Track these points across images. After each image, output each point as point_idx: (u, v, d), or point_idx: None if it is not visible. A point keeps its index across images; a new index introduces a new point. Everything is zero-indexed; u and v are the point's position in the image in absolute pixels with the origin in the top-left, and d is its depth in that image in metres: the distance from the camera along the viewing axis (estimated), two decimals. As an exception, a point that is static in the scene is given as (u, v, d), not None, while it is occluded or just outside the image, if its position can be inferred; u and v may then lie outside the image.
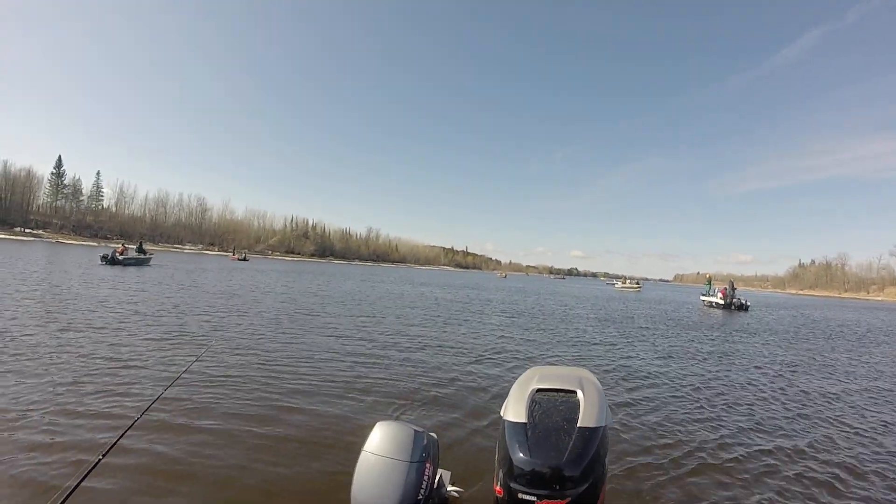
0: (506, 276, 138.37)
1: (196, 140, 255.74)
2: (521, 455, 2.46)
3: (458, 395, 7.72)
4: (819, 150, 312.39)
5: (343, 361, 9.61)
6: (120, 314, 13.49)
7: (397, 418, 4.56)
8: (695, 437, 6.46)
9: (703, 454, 5.83)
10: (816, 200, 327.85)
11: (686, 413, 7.66)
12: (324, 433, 5.69)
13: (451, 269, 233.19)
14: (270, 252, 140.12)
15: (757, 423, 7.42)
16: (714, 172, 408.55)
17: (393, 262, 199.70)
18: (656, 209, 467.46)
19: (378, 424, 2.89)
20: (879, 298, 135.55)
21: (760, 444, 6.41)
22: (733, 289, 41.97)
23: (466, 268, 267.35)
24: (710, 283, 49.74)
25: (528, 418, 2.65)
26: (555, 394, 2.88)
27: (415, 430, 2.84)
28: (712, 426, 7.06)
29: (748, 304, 40.84)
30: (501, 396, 2.82)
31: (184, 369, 4.36)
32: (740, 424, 7.26)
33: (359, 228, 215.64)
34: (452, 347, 12.18)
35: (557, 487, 2.40)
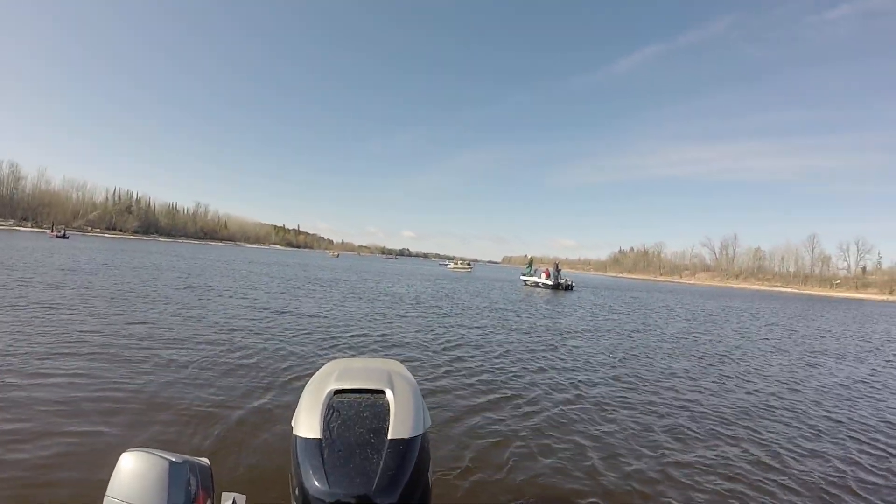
0: (338, 256, 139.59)
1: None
2: (317, 484, 1.93)
3: (251, 397, 6.62)
4: (646, 151, 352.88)
5: (101, 363, 7.66)
6: None
7: (152, 444, 3.53)
8: (524, 425, 6.42)
9: (533, 442, 5.82)
10: (640, 195, 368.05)
11: (513, 397, 7.63)
12: (57, 468, 4.41)
13: (282, 247, 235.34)
14: (90, 228, 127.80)
15: (579, 396, 7.96)
16: (549, 164, 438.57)
17: (222, 239, 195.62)
18: (492, 195, 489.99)
19: (123, 457, 1.97)
20: (691, 282, 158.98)
21: (585, 418, 6.80)
22: (558, 270, 45.18)
23: (298, 247, 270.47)
24: (530, 265, 52.87)
25: (324, 432, 2.09)
26: (358, 396, 2.29)
27: (170, 462, 2.01)
28: (540, 411, 7.09)
29: (572, 284, 45.43)
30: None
31: None
32: (566, 403, 7.53)
33: (186, 203, 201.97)
34: (253, 338, 10.57)
35: None
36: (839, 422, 7.55)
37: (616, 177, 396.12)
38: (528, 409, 7.11)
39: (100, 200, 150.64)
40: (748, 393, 9.09)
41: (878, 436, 6.99)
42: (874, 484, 5.30)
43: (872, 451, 6.34)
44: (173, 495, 1.91)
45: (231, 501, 2.55)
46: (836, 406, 8.55)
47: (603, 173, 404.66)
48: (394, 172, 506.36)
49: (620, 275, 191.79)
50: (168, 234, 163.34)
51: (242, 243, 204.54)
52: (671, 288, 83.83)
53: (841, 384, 10.48)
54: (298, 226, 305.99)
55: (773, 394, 9.11)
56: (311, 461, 1.93)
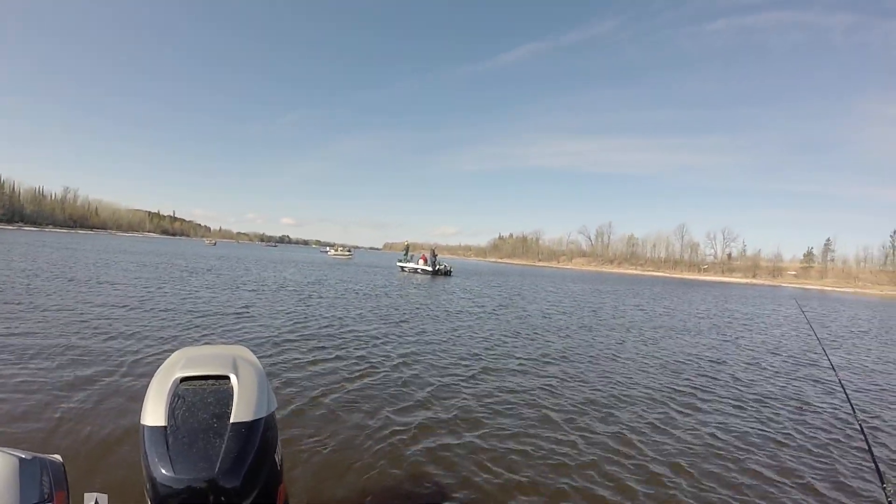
0: (214, 244, 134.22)
1: None
2: (163, 471, 1.96)
3: (102, 391, 6.36)
4: (528, 142, 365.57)
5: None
6: None
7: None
8: (378, 403, 6.70)
9: (381, 416, 6.15)
10: (521, 184, 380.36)
11: (363, 374, 7.99)
12: None
13: (157, 235, 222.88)
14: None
15: (443, 378, 8.26)
16: (432, 151, 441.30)
17: (92, 227, 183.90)
18: (374, 181, 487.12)
19: None
20: (568, 267, 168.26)
21: (447, 398, 7.13)
22: (434, 255, 46.38)
23: (173, 234, 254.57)
24: (407, 251, 53.48)
25: (169, 420, 2.11)
26: (203, 382, 2.32)
27: (20, 459, 2.00)
28: (389, 387, 7.45)
29: (450, 269, 46.57)
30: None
31: None
32: (417, 382, 7.86)
33: (54, 187, 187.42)
34: (105, 330, 10.04)
35: None
36: (656, 388, 8.19)
37: (497, 165, 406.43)
38: (375, 384, 7.48)
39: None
40: (582, 364, 9.94)
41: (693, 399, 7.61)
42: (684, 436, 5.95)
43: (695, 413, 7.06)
44: (26, 494, 1.85)
45: (93, 502, 2.40)
46: (660, 375, 9.19)
47: (485, 162, 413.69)
48: (274, 157, 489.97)
49: (500, 260, 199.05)
50: (34, 223, 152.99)
51: (115, 231, 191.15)
52: (547, 273, 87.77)
53: (668, 356, 11.29)
54: (174, 212, 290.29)
55: (605, 369, 9.70)
56: (156, 449, 1.97)
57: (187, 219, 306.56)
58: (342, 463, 4.82)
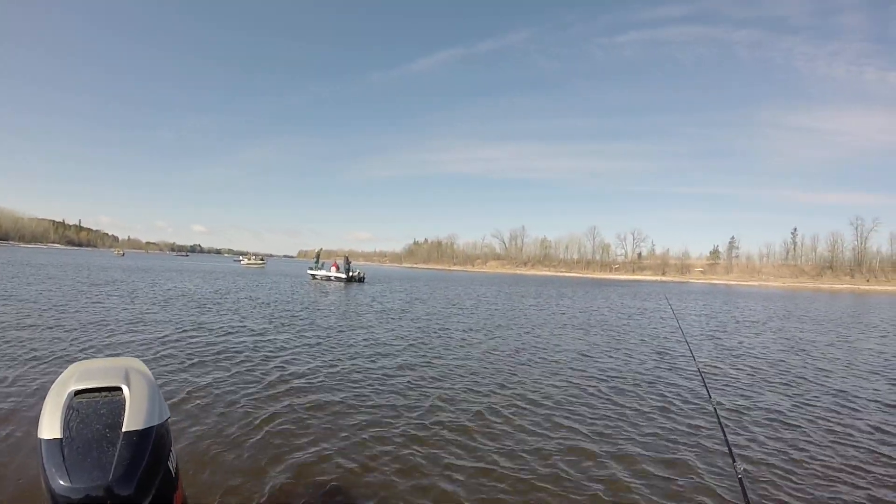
0: (123, 255, 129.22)
1: None
2: (61, 482, 1.95)
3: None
4: (440, 148, 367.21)
5: None
6: None
7: None
8: (265, 405, 6.90)
9: (276, 424, 6.21)
10: (434, 190, 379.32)
11: (256, 380, 8.13)
12: None
13: (62, 246, 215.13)
14: None
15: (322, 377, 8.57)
16: (345, 157, 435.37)
17: None
18: (286, 188, 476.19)
19: None
20: (483, 270, 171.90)
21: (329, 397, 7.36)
22: (348, 262, 46.36)
23: (80, 245, 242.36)
24: (318, 258, 53.49)
25: (64, 432, 2.09)
26: (96, 394, 2.30)
27: None
28: (287, 388, 7.71)
29: (364, 275, 47.23)
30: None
31: None
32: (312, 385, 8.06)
33: None
34: None
35: None
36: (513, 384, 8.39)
37: (412, 171, 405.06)
38: (270, 385, 7.80)
39: None
40: (460, 359, 10.54)
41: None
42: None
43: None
44: None
45: None
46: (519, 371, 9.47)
47: (399, 168, 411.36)
48: (182, 164, 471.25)
49: (416, 266, 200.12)
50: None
51: (16, 243, 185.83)
52: (461, 277, 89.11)
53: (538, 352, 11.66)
54: (80, 221, 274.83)
55: (483, 364, 10.11)
56: (53, 461, 1.98)
57: (94, 227, 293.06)
58: (235, 466, 4.94)
